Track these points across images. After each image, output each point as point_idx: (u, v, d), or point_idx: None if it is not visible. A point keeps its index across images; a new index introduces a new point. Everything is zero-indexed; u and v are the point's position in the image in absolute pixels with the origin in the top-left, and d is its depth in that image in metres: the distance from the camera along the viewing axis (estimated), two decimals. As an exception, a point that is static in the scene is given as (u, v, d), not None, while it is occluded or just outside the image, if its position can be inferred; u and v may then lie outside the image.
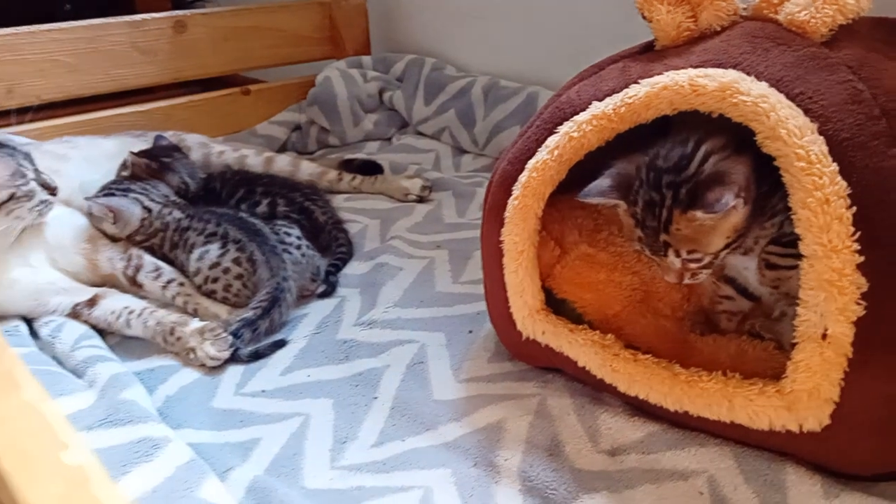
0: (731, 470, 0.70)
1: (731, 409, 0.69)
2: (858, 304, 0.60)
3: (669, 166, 0.70)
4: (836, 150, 0.62)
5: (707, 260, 0.71)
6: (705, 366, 0.73)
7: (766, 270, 0.74)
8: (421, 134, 1.76)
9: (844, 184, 0.61)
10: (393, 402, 0.87)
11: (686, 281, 0.74)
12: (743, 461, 0.71)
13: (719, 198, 0.65)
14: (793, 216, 0.63)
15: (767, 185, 0.69)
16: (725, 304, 0.83)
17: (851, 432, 0.64)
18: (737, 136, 0.69)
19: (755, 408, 0.68)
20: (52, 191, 1.04)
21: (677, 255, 0.71)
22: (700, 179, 0.68)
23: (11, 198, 0.98)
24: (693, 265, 0.72)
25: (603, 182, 0.74)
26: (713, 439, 0.74)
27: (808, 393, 0.64)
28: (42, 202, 1.02)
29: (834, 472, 0.69)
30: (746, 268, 0.78)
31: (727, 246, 0.71)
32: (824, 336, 0.62)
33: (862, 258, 0.60)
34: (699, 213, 0.67)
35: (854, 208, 0.60)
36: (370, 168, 1.51)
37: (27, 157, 1.03)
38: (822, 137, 0.62)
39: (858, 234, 0.60)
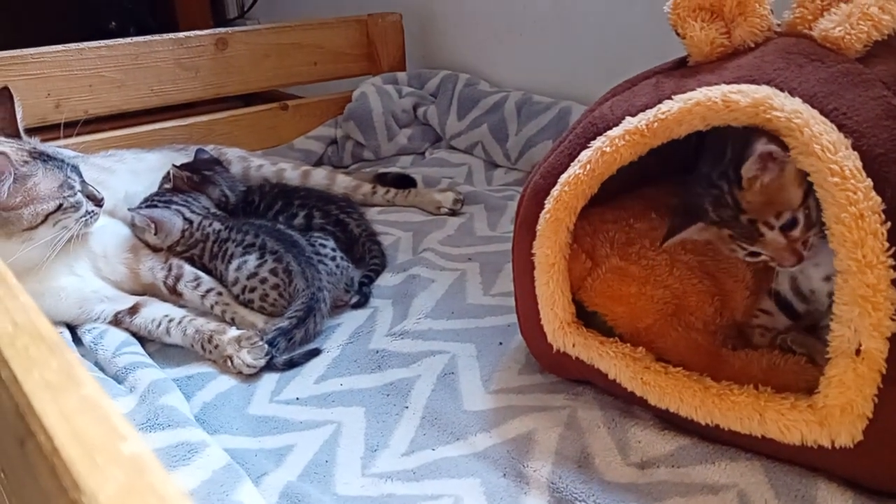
0: (761, 485, 0.70)
1: (762, 423, 0.69)
2: (893, 319, 0.60)
3: (710, 167, 0.73)
4: (871, 165, 0.62)
5: (801, 219, 0.70)
6: (737, 379, 0.73)
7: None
8: (454, 148, 1.78)
9: (879, 199, 0.61)
10: (424, 411, 0.88)
11: (806, 253, 0.72)
12: (774, 476, 0.70)
13: (751, 150, 0.67)
14: (827, 231, 0.63)
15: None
16: (762, 318, 0.83)
17: (885, 448, 0.64)
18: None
19: (787, 422, 0.67)
20: (98, 202, 1.08)
21: (770, 227, 0.71)
22: (734, 158, 0.71)
23: (59, 208, 1.01)
24: (794, 233, 0.70)
25: (673, 223, 0.78)
26: (744, 453, 0.73)
27: (840, 408, 0.63)
28: (88, 213, 1.05)
29: (866, 488, 0.68)
30: (802, 271, 0.77)
31: (808, 195, 0.69)
32: (858, 352, 0.61)
33: (896, 273, 0.60)
34: (746, 168, 0.69)
35: (888, 224, 0.60)
36: (404, 181, 1.53)
37: (75, 169, 1.06)
38: (856, 153, 0.62)
39: (893, 249, 0.60)
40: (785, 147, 0.66)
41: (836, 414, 0.64)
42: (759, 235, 0.72)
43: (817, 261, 0.74)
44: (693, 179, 0.76)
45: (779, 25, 0.78)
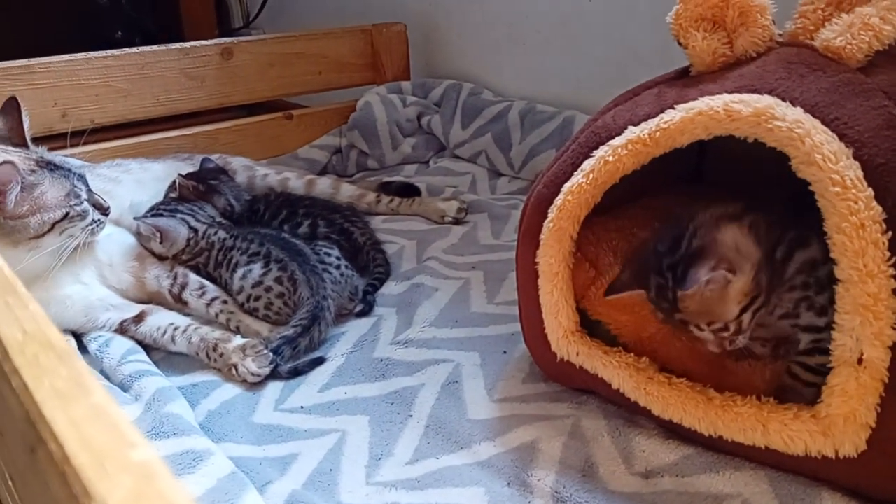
0: (765, 494, 0.70)
1: (765, 433, 0.69)
2: (894, 328, 0.60)
3: (666, 249, 0.72)
4: (872, 175, 0.62)
5: (733, 328, 0.71)
6: (740, 389, 0.73)
7: (785, 377, 0.74)
8: (458, 157, 1.79)
9: (880, 209, 0.61)
10: (428, 420, 0.88)
11: (729, 348, 0.73)
12: (778, 486, 0.71)
13: (691, 276, 0.67)
14: (828, 241, 0.63)
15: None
16: (758, 329, 0.83)
17: (888, 457, 0.64)
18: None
19: (790, 432, 0.67)
20: (104, 211, 1.08)
21: (700, 329, 0.72)
22: (686, 256, 0.69)
23: (65, 217, 1.02)
24: (724, 334, 0.71)
25: (623, 276, 0.77)
26: (748, 463, 0.73)
27: (843, 418, 0.63)
28: (94, 221, 1.06)
29: (871, 497, 0.68)
30: None
31: (745, 310, 0.70)
32: (860, 361, 0.61)
33: (898, 283, 0.60)
34: (683, 295, 0.69)
35: (889, 233, 0.60)
36: (408, 190, 1.53)
37: (81, 178, 1.07)
38: (857, 162, 0.63)
39: (894, 259, 0.60)
40: (732, 269, 0.68)
41: (840, 423, 0.64)
42: (689, 331, 0.73)
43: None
44: (653, 245, 0.74)
45: (780, 35, 0.79)
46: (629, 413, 0.83)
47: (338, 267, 1.12)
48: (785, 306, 0.71)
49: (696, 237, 0.70)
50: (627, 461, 0.78)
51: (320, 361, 1.01)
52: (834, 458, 0.66)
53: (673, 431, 0.79)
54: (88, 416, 0.28)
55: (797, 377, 0.73)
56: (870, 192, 0.61)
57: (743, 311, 0.70)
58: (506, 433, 0.84)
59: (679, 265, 0.69)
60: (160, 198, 1.28)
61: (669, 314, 0.73)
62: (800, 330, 0.72)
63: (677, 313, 0.72)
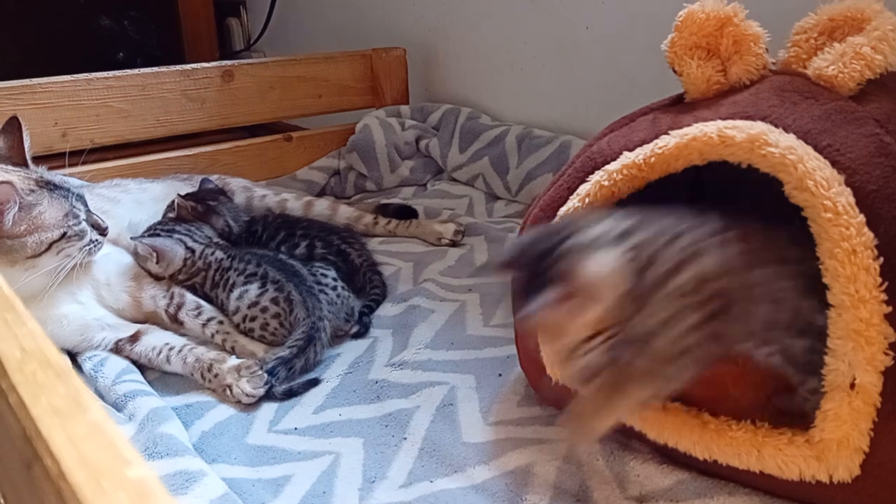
0: (760, 520, 0.70)
1: (760, 458, 0.69)
2: (887, 354, 0.60)
3: (541, 252, 0.67)
4: (864, 201, 0.63)
5: (581, 347, 0.66)
6: (735, 413, 0.73)
7: None
8: (455, 180, 1.80)
9: (871, 235, 0.61)
10: (422, 442, 0.88)
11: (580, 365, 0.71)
12: (772, 511, 0.71)
13: (540, 299, 0.63)
14: (820, 266, 0.63)
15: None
16: None
17: (882, 483, 0.64)
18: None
19: (784, 457, 0.67)
20: (102, 231, 1.09)
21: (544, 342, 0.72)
22: (550, 272, 0.65)
23: (63, 237, 1.02)
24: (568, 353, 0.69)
25: (503, 256, 0.73)
26: (742, 489, 0.73)
27: (837, 442, 0.64)
28: (92, 242, 1.06)
29: (865, 525, 0.68)
30: None
31: (595, 336, 0.65)
32: (853, 385, 0.62)
33: (889, 308, 0.60)
34: None
35: (881, 259, 0.61)
36: (405, 213, 1.54)
37: (80, 198, 1.08)
38: (849, 189, 0.63)
39: (886, 284, 0.60)
40: (586, 299, 0.64)
41: (833, 448, 0.64)
42: None
43: None
44: (536, 240, 0.70)
45: (774, 64, 0.80)
46: (624, 437, 0.83)
47: (334, 288, 1.12)
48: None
49: (568, 255, 0.66)
50: (622, 486, 0.78)
51: (315, 383, 1.01)
52: (828, 483, 0.66)
53: (668, 456, 0.79)
54: (85, 434, 0.29)
55: None
56: (861, 218, 0.62)
57: (592, 337, 0.66)
58: (500, 457, 0.84)
59: (543, 277, 0.66)
60: (159, 218, 1.28)
61: (529, 311, 0.68)
62: None
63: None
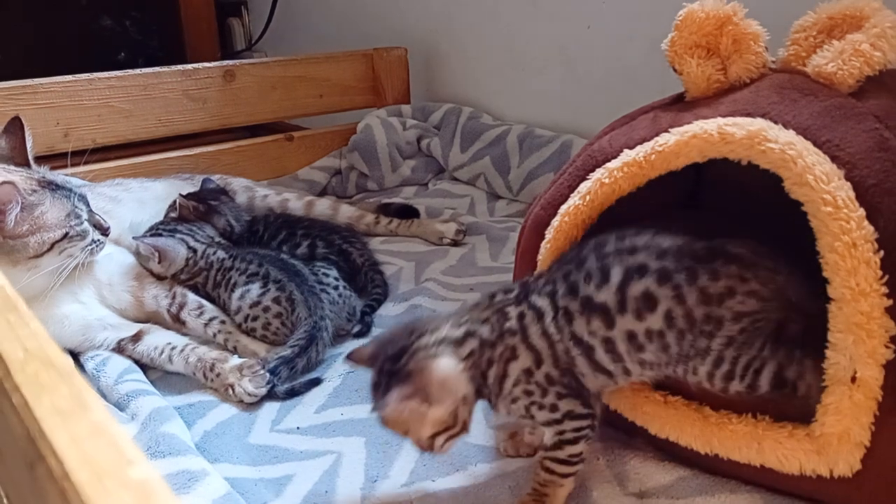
0: (761, 517, 0.70)
1: (760, 451, 0.69)
2: (888, 347, 0.60)
3: (391, 354, 0.70)
4: (864, 195, 0.63)
5: (426, 444, 0.71)
6: (736, 407, 0.73)
7: (539, 471, 0.74)
8: (456, 180, 1.80)
9: (871, 228, 0.61)
10: (425, 441, 0.88)
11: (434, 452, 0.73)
12: (774, 508, 0.71)
13: (387, 398, 0.66)
14: (820, 260, 0.63)
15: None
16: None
17: (883, 477, 0.64)
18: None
19: (785, 451, 0.67)
20: (104, 231, 1.09)
21: (395, 433, 0.72)
22: (398, 375, 0.69)
23: (65, 237, 1.02)
24: (418, 443, 0.72)
25: (366, 350, 0.75)
26: (744, 486, 0.73)
27: (838, 437, 0.64)
28: (94, 242, 1.07)
29: (866, 521, 0.68)
30: None
31: (438, 434, 0.70)
32: (853, 379, 0.62)
33: (890, 301, 0.60)
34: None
35: (881, 252, 0.61)
36: (407, 212, 1.54)
37: (82, 198, 1.08)
38: (848, 183, 0.63)
39: (886, 277, 0.60)
40: (429, 401, 0.67)
41: (834, 442, 0.64)
42: None
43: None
44: (387, 342, 0.73)
45: (773, 62, 0.80)
46: (625, 436, 0.83)
47: (336, 287, 1.12)
48: (518, 412, 0.71)
49: (412, 358, 0.69)
50: (622, 483, 0.78)
51: (317, 382, 1.01)
52: (829, 477, 0.66)
53: (668, 452, 0.79)
54: (89, 434, 0.29)
55: (552, 471, 0.72)
56: (861, 211, 0.62)
57: (436, 434, 0.70)
58: (502, 456, 0.84)
59: (392, 377, 0.69)
60: (160, 217, 1.28)
61: (375, 408, 0.72)
62: (542, 426, 0.72)
63: (381, 414, 0.71)
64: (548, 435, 0.71)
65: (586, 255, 0.71)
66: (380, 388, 0.70)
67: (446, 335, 0.71)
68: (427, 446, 0.71)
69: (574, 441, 0.70)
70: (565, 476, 0.72)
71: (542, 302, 0.70)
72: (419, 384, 0.67)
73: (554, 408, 0.70)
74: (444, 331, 0.71)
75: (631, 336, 0.67)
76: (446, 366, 0.69)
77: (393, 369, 0.69)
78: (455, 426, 0.70)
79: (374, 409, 0.70)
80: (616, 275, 0.68)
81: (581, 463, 0.72)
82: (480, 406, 0.92)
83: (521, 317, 0.71)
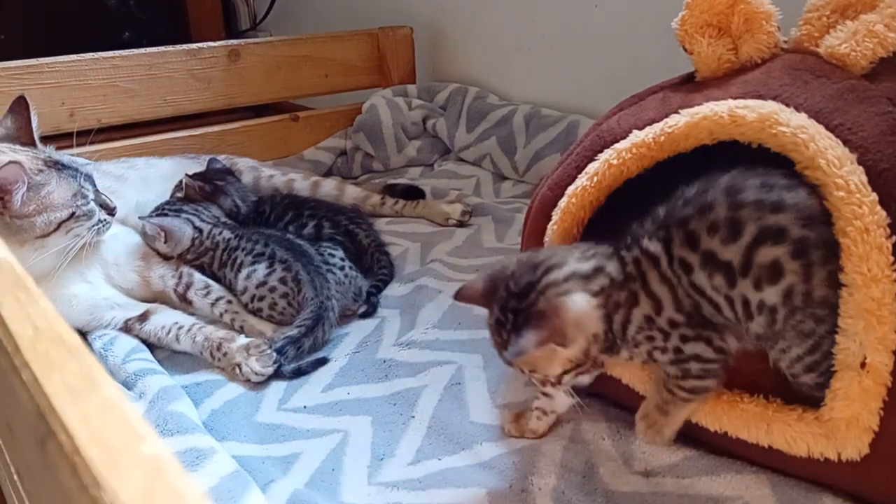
0: (767, 498, 0.70)
1: (769, 432, 0.69)
2: (898, 333, 0.60)
3: (516, 292, 0.69)
4: (876, 180, 0.62)
5: (552, 381, 0.71)
6: (746, 389, 0.73)
7: (662, 390, 0.73)
8: (462, 160, 1.79)
9: (884, 213, 0.61)
10: (430, 421, 0.88)
11: (546, 389, 0.75)
12: (779, 490, 0.71)
13: (521, 343, 0.65)
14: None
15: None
16: None
17: (891, 461, 0.64)
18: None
19: (793, 433, 0.68)
20: (110, 211, 1.09)
21: (521, 371, 0.73)
22: (527, 314, 0.67)
23: (72, 216, 1.02)
24: (542, 382, 0.72)
25: (475, 286, 0.74)
26: (750, 467, 0.74)
27: (846, 422, 0.64)
28: (100, 221, 1.07)
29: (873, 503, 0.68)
30: None
31: (568, 372, 0.70)
32: (863, 365, 0.62)
33: (902, 288, 0.60)
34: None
35: (894, 238, 0.61)
36: (412, 193, 1.54)
37: (89, 178, 1.08)
38: (861, 167, 0.63)
39: (898, 263, 0.60)
40: (564, 343, 0.67)
41: (842, 427, 0.64)
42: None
43: None
44: (508, 279, 0.71)
45: (785, 42, 0.79)
46: (631, 415, 0.83)
47: (342, 268, 1.12)
48: (641, 356, 0.71)
49: (542, 296, 0.67)
50: (627, 462, 0.78)
51: (324, 362, 1.02)
52: (836, 461, 0.66)
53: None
54: (99, 410, 0.29)
55: (674, 394, 0.72)
56: (874, 196, 0.61)
57: (566, 372, 0.70)
58: (507, 436, 0.84)
59: (520, 315, 0.68)
60: (166, 197, 1.28)
61: (499, 350, 0.72)
62: (666, 364, 0.71)
63: (505, 352, 0.70)
64: (671, 371, 0.70)
65: (713, 201, 0.64)
66: (505, 327, 0.69)
67: (575, 269, 0.69)
68: (555, 383, 0.70)
69: (700, 376, 0.68)
70: (687, 401, 0.71)
71: (654, 247, 0.67)
72: (555, 325, 0.65)
73: (678, 350, 0.68)
74: (572, 265, 0.69)
75: (745, 303, 0.64)
76: (581, 303, 0.66)
77: (520, 307, 0.67)
78: (585, 363, 0.69)
79: (506, 354, 0.68)
80: (749, 234, 0.62)
81: (706, 392, 0.70)
82: (486, 384, 0.93)
83: (636, 262, 0.68)
